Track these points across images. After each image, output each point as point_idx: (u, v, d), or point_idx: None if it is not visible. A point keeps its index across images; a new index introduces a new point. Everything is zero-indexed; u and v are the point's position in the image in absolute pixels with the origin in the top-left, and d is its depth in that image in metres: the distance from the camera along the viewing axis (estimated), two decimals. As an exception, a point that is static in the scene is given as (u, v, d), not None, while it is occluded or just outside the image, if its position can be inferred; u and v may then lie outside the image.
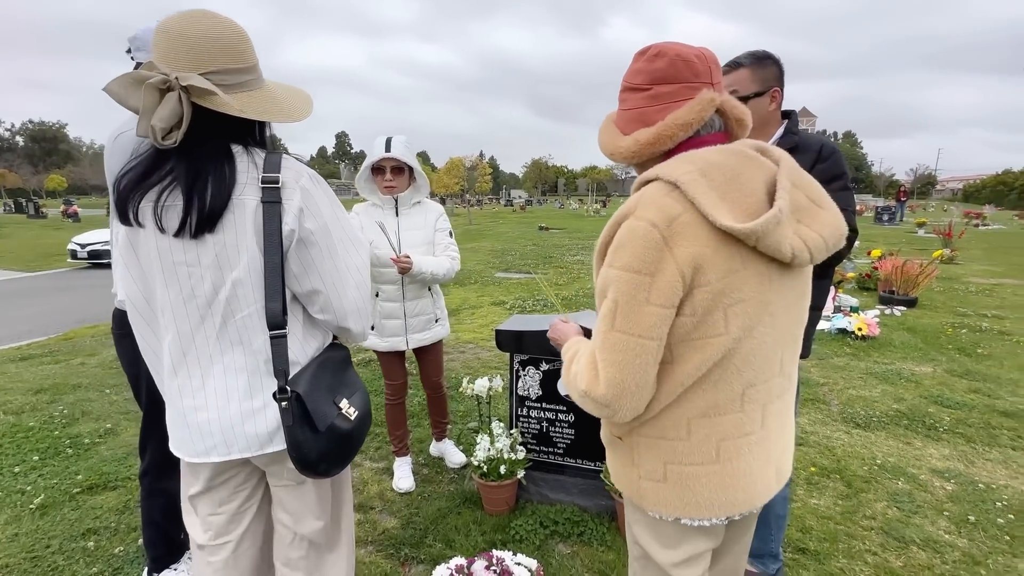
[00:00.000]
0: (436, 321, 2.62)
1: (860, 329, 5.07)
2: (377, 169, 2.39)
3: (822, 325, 5.55)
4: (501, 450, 2.44)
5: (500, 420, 2.69)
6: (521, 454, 2.49)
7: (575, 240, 15.27)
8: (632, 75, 0.99)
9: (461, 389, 2.76)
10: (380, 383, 3.24)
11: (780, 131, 1.70)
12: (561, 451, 2.66)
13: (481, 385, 2.66)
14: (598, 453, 2.59)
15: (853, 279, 7.61)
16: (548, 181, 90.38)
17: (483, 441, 2.48)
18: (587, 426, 2.57)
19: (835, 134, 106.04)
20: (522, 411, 2.68)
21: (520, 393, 2.66)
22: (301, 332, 1.14)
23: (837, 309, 6.11)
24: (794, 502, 2.61)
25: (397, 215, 2.45)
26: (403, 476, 2.71)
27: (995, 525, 2.37)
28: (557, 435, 2.65)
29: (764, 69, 1.62)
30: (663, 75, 0.94)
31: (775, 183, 0.88)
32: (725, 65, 1.62)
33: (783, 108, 1.72)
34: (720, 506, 0.96)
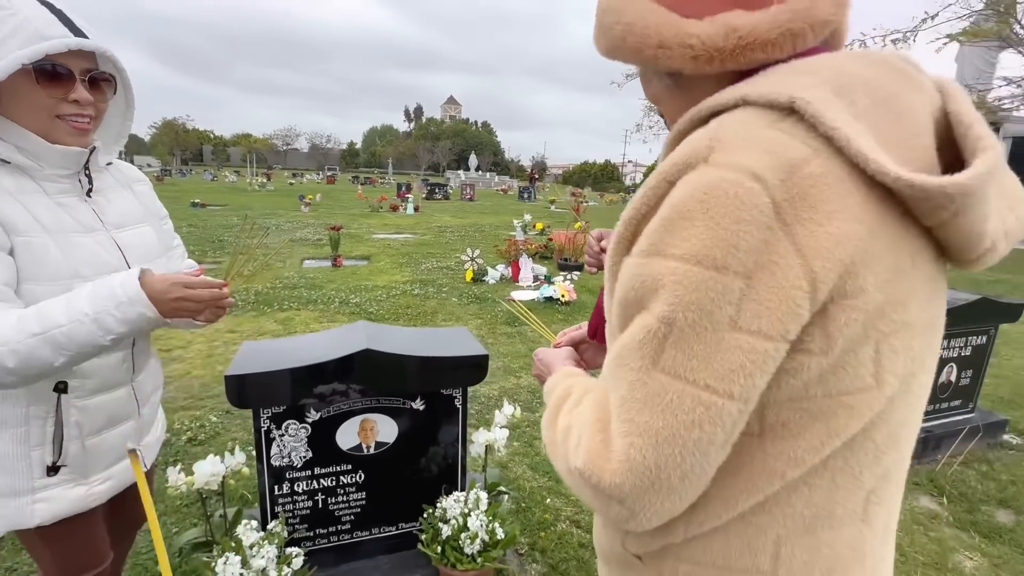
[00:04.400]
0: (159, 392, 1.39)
1: (563, 296, 5.70)
2: (49, 77, 0.97)
3: (531, 295, 6.05)
4: (264, 571, 1.51)
5: (248, 517, 1.70)
6: (297, 561, 1.60)
7: (247, 220, 12.85)
8: None
9: (169, 485, 1.61)
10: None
11: None
12: (349, 525, 1.88)
13: (207, 473, 1.60)
14: (401, 510, 1.92)
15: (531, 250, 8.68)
16: (189, 148, 74.86)
17: (228, 567, 1.48)
18: (382, 481, 1.87)
19: (476, 123, 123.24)
20: (282, 488, 1.75)
21: (276, 464, 1.73)
22: None
23: (536, 278, 6.80)
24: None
25: (90, 194, 1.11)
26: None
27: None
28: (341, 506, 1.85)
29: None
30: None
31: (945, 122, 0.52)
32: None
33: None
34: None
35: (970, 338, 3.04)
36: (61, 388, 1.05)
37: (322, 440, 1.77)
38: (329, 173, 45.44)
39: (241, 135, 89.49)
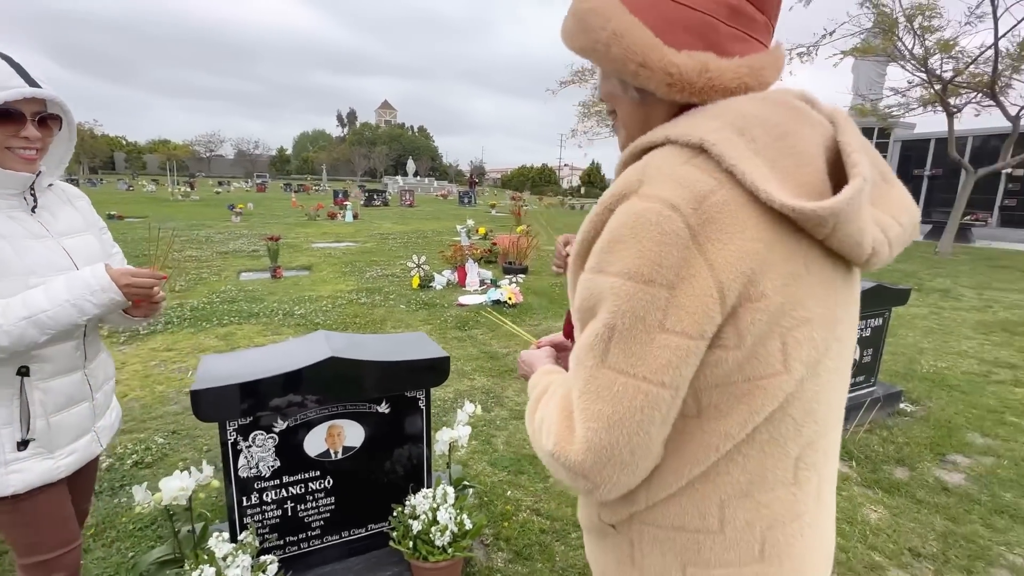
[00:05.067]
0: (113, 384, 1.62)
1: (510, 298, 5.86)
2: (4, 118, 1.18)
3: (479, 299, 6.17)
4: (241, 579, 1.54)
5: (217, 530, 1.71)
6: (272, 568, 1.64)
7: (172, 232, 12.11)
8: None
9: (137, 504, 1.60)
10: None
11: None
12: (319, 531, 1.92)
13: (175, 488, 1.61)
14: (370, 511, 1.99)
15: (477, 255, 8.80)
16: (99, 156, 69.07)
17: (204, 579, 1.50)
18: (351, 484, 1.93)
19: (412, 127, 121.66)
20: (250, 500, 1.78)
21: (244, 475, 1.75)
22: None
23: (482, 282, 6.92)
24: (549, 478, 2.71)
25: (34, 211, 1.29)
26: None
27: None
28: (311, 513, 1.89)
29: None
30: None
31: (836, 149, 0.63)
32: None
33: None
34: None
35: (869, 320, 3.47)
36: (23, 372, 1.22)
37: (290, 449, 1.81)
38: (259, 181, 43.45)
39: (158, 141, 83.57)
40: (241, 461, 1.74)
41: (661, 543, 0.67)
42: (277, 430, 1.77)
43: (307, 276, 7.58)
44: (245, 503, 1.77)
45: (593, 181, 62.53)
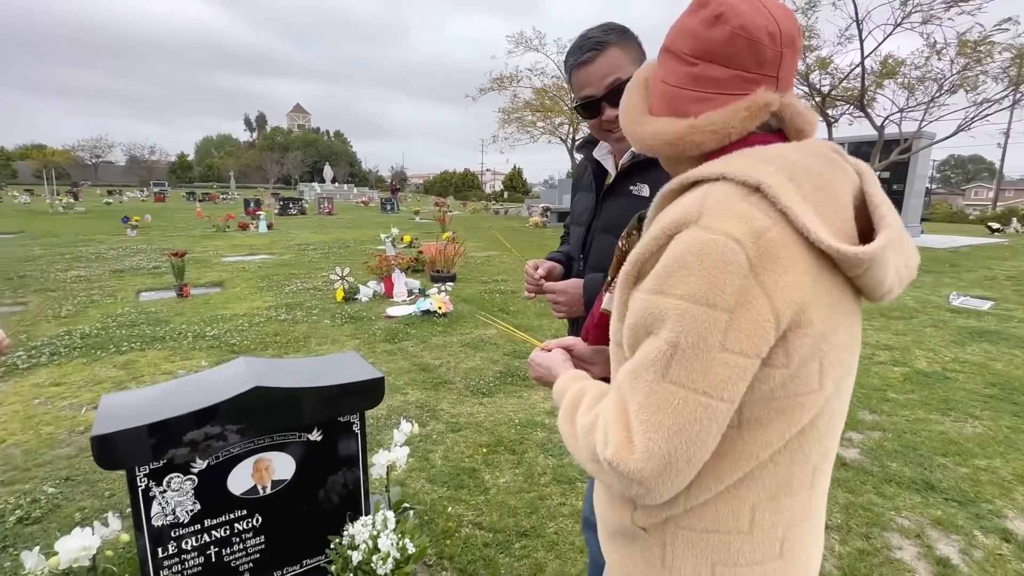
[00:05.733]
0: None
1: (440, 308, 5.79)
2: None
3: (408, 309, 6.04)
4: (160, 639, 1.40)
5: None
6: (197, 621, 1.50)
7: (54, 249, 10.78)
8: (678, 35, 0.72)
9: (28, 572, 1.40)
10: None
11: None
12: (248, 574, 1.79)
13: (75, 548, 1.43)
14: (304, 546, 1.88)
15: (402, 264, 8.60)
16: (-46, 162, 60.12)
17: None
18: (282, 520, 1.82)
19: (328, 132, 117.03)
20: (167, 550, 1.62)
21: (158, 523, 1.60)
22: None
23: (410, 292, 6.80)
24: (489, 489, 2.71)
25: None
26: None
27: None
28: (239, 555, 1.76)
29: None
30: (716, 52, 0.70)
31: (862, 196, 0.71)
32: (577, 57, 1.23)
33: None
34: None
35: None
36: None
37: (212, 489, 1.67)
38: (156, 189, 39.90)
39: (32, 146, 74.41)
40: (155, 508, 1.58)
41: (693, 545, 0.72)
42: (196, 470, 1.63)
43: (219, 293, 7.05)
44: (161, 554, 1.61)
45: (515, 185, 63.43)
